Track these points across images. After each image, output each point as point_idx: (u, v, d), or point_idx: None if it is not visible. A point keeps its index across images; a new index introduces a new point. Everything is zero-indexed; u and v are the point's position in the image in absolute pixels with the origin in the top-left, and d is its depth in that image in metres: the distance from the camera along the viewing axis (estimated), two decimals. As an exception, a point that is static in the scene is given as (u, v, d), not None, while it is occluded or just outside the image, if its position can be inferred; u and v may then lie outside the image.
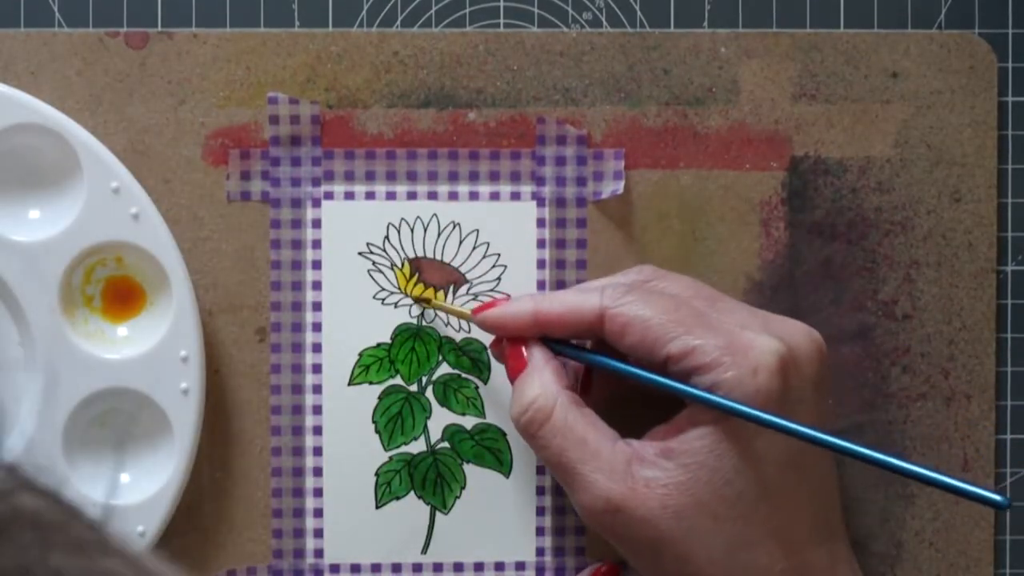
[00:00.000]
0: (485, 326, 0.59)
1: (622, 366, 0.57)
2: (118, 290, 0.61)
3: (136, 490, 0.60)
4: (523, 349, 0.58)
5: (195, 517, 0.62)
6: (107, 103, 0.62)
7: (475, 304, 0.61)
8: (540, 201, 0.63)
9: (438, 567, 0.62)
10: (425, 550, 0.63)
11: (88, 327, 0.61)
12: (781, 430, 0.53)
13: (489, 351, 0.62)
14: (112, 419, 0.61)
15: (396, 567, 0.62)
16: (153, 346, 0.60)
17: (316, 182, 0.62)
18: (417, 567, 0.62)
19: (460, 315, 0.61)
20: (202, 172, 0.62)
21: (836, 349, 0.63)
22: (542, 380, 0.57)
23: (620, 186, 0.63)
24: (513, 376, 0.58)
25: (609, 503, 0.54)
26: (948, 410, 0.64)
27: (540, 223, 0.63)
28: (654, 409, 0.58)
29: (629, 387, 0.59)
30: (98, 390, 0.59)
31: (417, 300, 0.62)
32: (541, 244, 0.63)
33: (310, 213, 0.62)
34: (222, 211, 0.62)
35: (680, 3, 0.64)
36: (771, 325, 0.56)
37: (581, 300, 0.57)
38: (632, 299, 0.56)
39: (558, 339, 0.58)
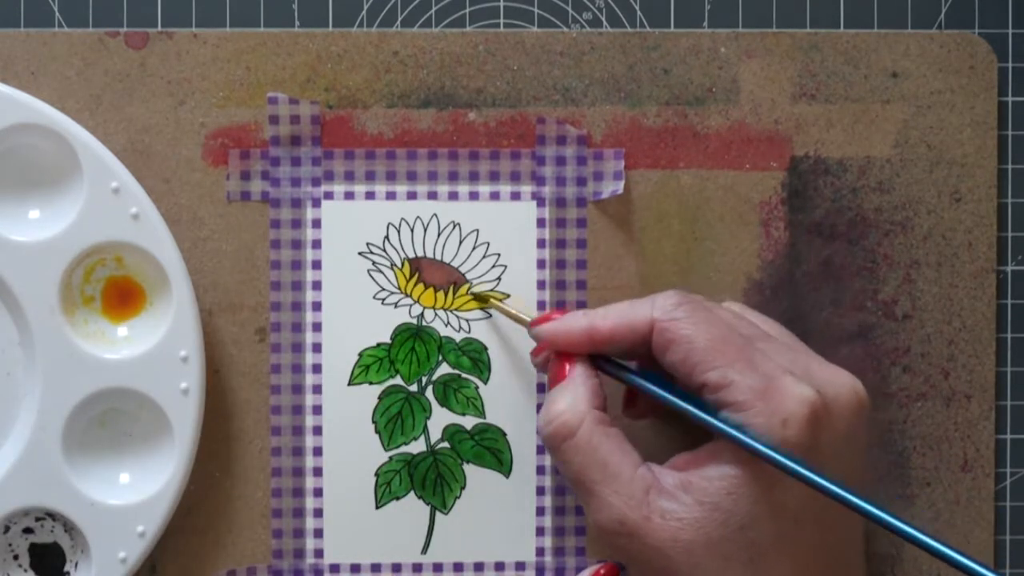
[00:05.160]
0: (539, 339, 0.59)
1: (658, 391, 0.56)
2: (118, 290, 0.61)
3: (136, 490, 0.60)
4: (567, 364, 0.57)
5: (195, 517, 0.62)
6: (107, 103, 0.62)
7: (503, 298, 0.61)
8: (540, 201, 0.63)
9: (438, 567, 0.62)
10: (425, 550, 0.63)
11: (88, 327, 0.61)
12: (800, 479, 0.52)
13: (529, 358, 0.61)
14: (112, 419, 0.61)
15: (396, 567, 0.62)
16: (153, 346, 0.60)
17: (316, 182, 0.62)
18: (417, 567, 0.62)
19: (518, 321, 0.60)
20: (202, 172, 0.62)
21: (836, 349, 0.63)
22: (574, 396, 0.56)
23: (620, 186, 0.63)
24: (550, 387, 0.58)
25: (623, 527, 0.54)
26: (948, 410, 0.64)
27: (540, 223, 0.63)
28: (693, 433, 0.57)
29: (668, 413, 0.59)
30: (98, 390, 0.59)
31: (477, 298, 0.62)
32: (541, 244, 0.63)
33: (310, 213, 0.62)
34: (222, 211, 0.62)
35: (680, 3, 0.64)
36: (816, 372, 0.56)
37: (633, 312, 0.56)
38: (683, 315, 0.55)
39: (604, 356, 0.58)
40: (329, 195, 0.62)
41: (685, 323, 0.55)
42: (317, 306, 0.62)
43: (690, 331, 0.55)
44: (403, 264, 0.63)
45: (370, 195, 0.63)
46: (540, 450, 0.63)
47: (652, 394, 0.56)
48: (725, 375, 0.54)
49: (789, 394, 0.53)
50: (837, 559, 0.56)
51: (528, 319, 0.59)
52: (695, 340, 0.55)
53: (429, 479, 0.63)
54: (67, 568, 0.61)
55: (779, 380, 0.54)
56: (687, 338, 0.55)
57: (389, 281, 0.63)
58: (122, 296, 0.61)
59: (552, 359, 0.58)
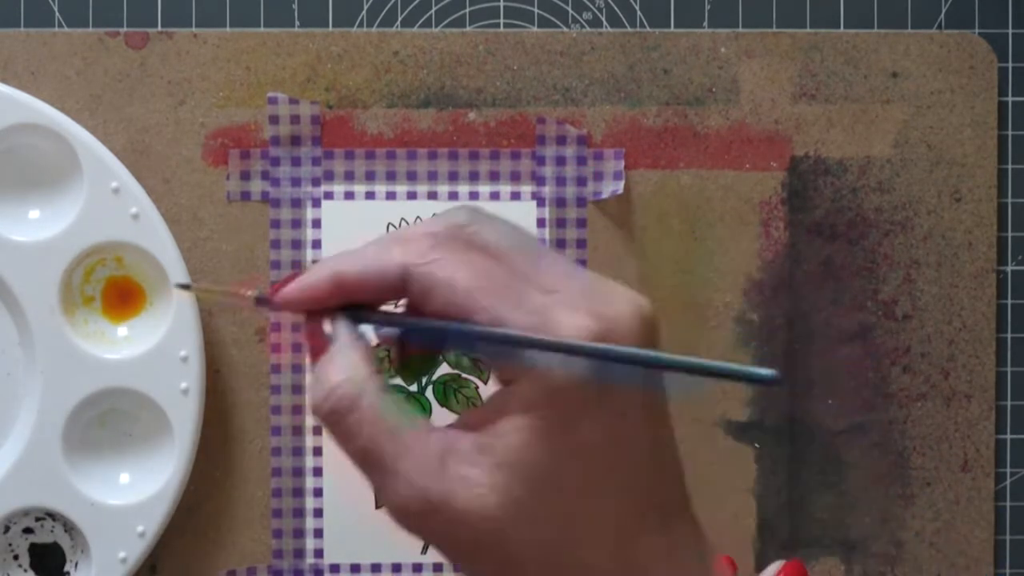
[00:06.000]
0: (281, 307, 0.51)
1: (442, 324, 0.49)
2: (118, 290, 0.61)
3: (136, 490, 0.60)
4: (324, 326, 0.50)
5: (195, 517, 0.62)
6: (107, 103, 0.62)
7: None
8: (540, 201, 0.63)
9: (438, 567, 0.62)
10: (425, 550, 0.63)
11: (88, 327, 0.61)
12: (619, 359, 0.46)
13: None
14: (112, 419, 0.61)
15: (396, 567, 0.62)
16: (153, 346, 0.60)
17: (316, 182, 0.62)
18: (417, 567, 0.62)
19: (239, 299, 0.52)
20: (202, 172, 0.62)
21: (836, 349, 0.63)
22: (348, 362, 0.50)
23: (620, 186, 0.63)
24: (314, 358, 0.50)
25: (426, 503, 0.49)
26: (948, 410, 0.64)
27: (540, 223, 0.63)
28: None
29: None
30: (98, 390, 0.59)
31: (182, 287, 0.59)
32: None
33: (310, 213, 0.62)
34: (222, 211, 0.62)
35: (680, 3, 0.64)
36: (595, 292, 0.50)
37: (382, 257, 0.49)
38: (439, 256, 0.49)
39: (364, 306, 0.51)
40: (329, 195, 0.62)
41: (441, 263, 0.48)
42: (317, 306, 0.62)
43: (448, 271, 0.48)
44: (403, 264, 0.62)
45: (370, 195, 0.63)
46: (540, 450, 0.63)
47: (439, 336, 0.50)
48: (493, 316, 0.48)
49: (564, 326, 0.47)
50: (652, 486, 0.50)
51: (251, 294, 0.51)
52: (455, 281, 0.48)
53: (429, 479, 0.62)
54: (67, 568, 0.61)
55: (551, 313, 0.48)
56: (446, 281, 0.48)
57: (389, 281, 0.62)
58: (122, 296, 0.61)
59: (306, 328, 0.51)
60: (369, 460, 0.49)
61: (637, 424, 0.49)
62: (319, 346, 0.50)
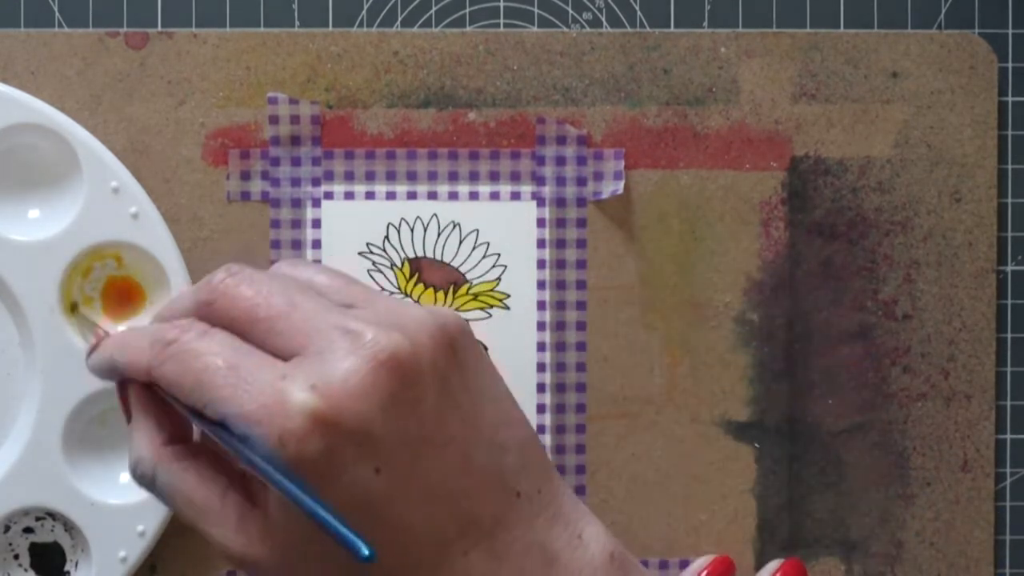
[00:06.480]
0: (93, 372, 0.53)
1: (198, 421, 0.49)
2: (118, 290, 0.61)
3: (136, 489, 0.60)
4: (126, 393, 0.52)
5: (195, 517, 0.62)
6: (107, 103, 0.62)
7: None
8: (540, 201, 0.63)
9: (438, 567, 0.62)
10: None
11: (88, 327, 0.61)
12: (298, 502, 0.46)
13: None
14: (112, 419, 0.61)
15: (396, 567, 0.62)
16: (153, 346, 0.60)
17: (316, 182, 0.62)
18: (417, 567, 0.62)
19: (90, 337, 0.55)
20: (202, 172, 0.62)
21: (836, 349, 0.63)
22: (141, 437, 0.51)
23: (620, 186, 0.63)
24: (128, 422, 0.52)
25: (241, 562, 0.50)
26: (948, 410, 0.64)
27: (540, 223, 0.63)
28: None
29: None
30: (98, 390, 0.59)
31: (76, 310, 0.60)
32: (541, 244, 0.63)
33: (310, 213, 0.62)
34: (222, 211, 0.62)
35: (680, 3, 0.64)
36: (387, 316, 0.49)
37: (138, 353, 0.50)
38: (174, 352, 0.49)
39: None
40: (329, 195, 0.62)
41: (169, 363, 0.49)
42: (317, 306, 0.62)
43: (178, 371, 0.49)
44: (403, 264, 0.63)
45: (370, 195, 0.63)
46: (540, 450, 0.63)
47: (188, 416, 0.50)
48: (216, 411, 0.47)
49: (283, 406, 0.46)
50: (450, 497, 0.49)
51: (94, 338, 0.54)
52: (183, 382, 0.48)
53: (429, 479, 0.62)
54: (67, 568, 0.61)
55: (274, 389, 0.47)
56: (175, 383, 0.49)
57: (389, 281, 0.62)
58: (122, 296, 0.61)
59: (117, 393, 0.53)
60: (189, 525, 0.51)
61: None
62: (127, 412, 0.52)
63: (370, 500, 0.47)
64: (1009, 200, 0.64)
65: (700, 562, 0.62)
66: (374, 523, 0.47)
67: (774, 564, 0.62)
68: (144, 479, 0.51)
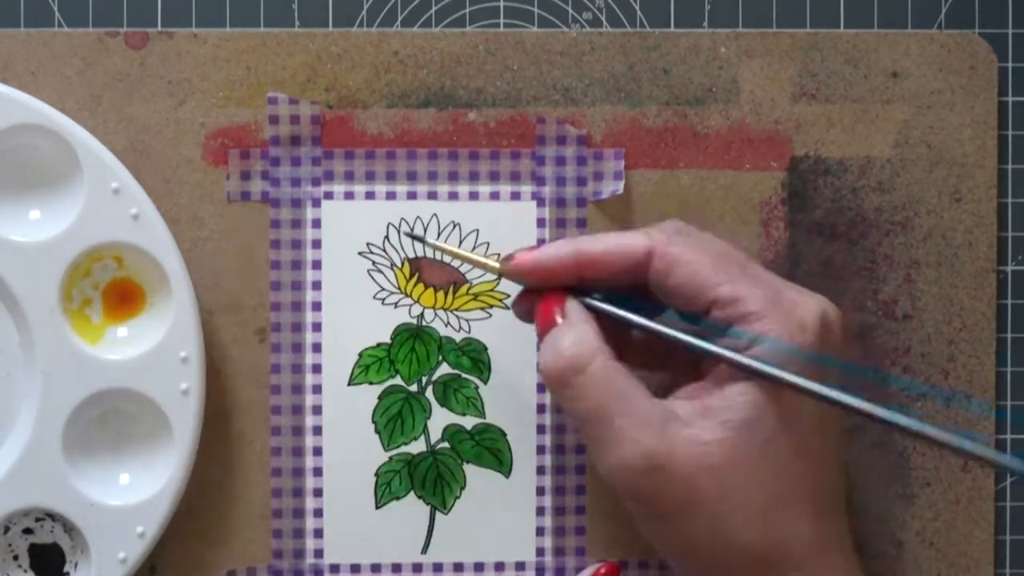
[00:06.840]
0: (521, 272, 0.57)
1: (656, 327, 0.55)
2: (118, 290, 0.61)
3: (136, 490, 0.60)
4: (556, 307, 0.56)
5: (195, 517, 0.62)
6: (107, 103, 0.62)
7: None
8: (540, 201, 0.63)
9: (438, 567, 0.62)
10: (425, 550, 0.63)
11: (88, 327, 0.61)
12: (813, 394, 0.53)
13: (512, 309, 0.59)
14: (112, 420, 0.61)
15: (396, 567, 0.62)
16: (153, 346, 0.60)
17: (316, 182, 0.62)
18: (417, 567, 0.62)
19: (487, 268, 0.58)
20: (202, 172, 0.62)
21: (836, 349, 0.63)
22: (580, 332, 0.55)
23: (620, 186, 0.63)
24: (544, 330, 0.56)
25: (648, 460, 0.53)
26: (948, 410, 0.64)
27: (540, 223, 0.63)
28: (685, 375, 0.57)
29: (660, 352, 0.58)
30: (98, 390, 0.59)
31: (413, 238, 0.62)
32: (541, 244, 0.63)
33: (310, 213, 0.62)
34: (222, 211, 0.62)
35: (680, 3, 0.64)
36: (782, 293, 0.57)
37: (627, 239, 0.56)
38: (681, 240, 0.56)
39: (593, 296, 0.56)
40: (329, 195, 0.62)
41: (685, 246, 0.55)
42: (317, 306, 0.62)
43: (693, 253, 0.55)
44: (403, 264, 0.63)
45: (370, 195, 0.63)
46: (540, 450, 0.63)
47: (650, 330, 0.56)
48: (735, 289, 0.54)
49: (800, 302, 0.55)
50: (838, 475, 0.56)
51: (494, 263, 0.58)
52: (698, 260, 0.55)
53: (429, 479, 0.63)
54: (67, 568, 0.61)
55: (786, 291, 0.55)
56: (691, 259, 0.55)
57: (389, 281, 0.63)
58: (122, 296, 0.61)
59: (539, 304, 0.57)
60: (595, 420, 0.54)
61: (830, 420, 0.55)
62: (549, 318, 0.56)
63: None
64: (1009, 200, 0.64)
65: (588, 571, 0.62)
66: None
67: (591, 569, 0.62)
68: (576, 360, 0.54)
